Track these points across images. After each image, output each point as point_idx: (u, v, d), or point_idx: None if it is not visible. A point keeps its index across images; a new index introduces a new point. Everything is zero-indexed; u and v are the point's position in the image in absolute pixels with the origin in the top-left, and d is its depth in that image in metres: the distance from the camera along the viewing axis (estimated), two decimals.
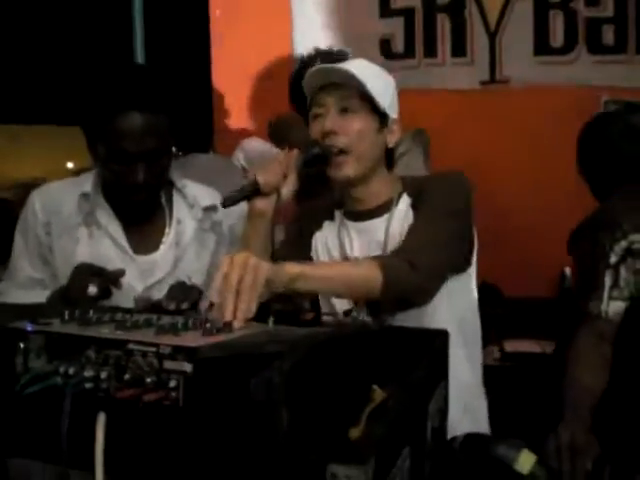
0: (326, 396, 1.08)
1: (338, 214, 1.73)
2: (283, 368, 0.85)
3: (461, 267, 1.63)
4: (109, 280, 1.60)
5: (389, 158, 1.69)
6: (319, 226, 1.77)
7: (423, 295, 1.50)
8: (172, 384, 0.91)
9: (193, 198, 1.89)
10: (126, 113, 1.64)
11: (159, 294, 1.67)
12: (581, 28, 3.01)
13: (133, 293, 1.73)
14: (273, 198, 1.58)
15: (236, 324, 1.09)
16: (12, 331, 1.02)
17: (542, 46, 3.01)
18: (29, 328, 1.01)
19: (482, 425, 1.64)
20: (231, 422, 0.84)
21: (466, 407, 1.56)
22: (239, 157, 3.03)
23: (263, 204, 1.59)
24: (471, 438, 1.15)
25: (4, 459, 0.96)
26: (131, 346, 0.94)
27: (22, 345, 1.01)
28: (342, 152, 1.58)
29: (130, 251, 1.80)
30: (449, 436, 1.27)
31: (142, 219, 1.83)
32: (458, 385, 1.53)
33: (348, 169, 1.60)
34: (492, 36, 3.05)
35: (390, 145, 1.65)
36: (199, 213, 1.89)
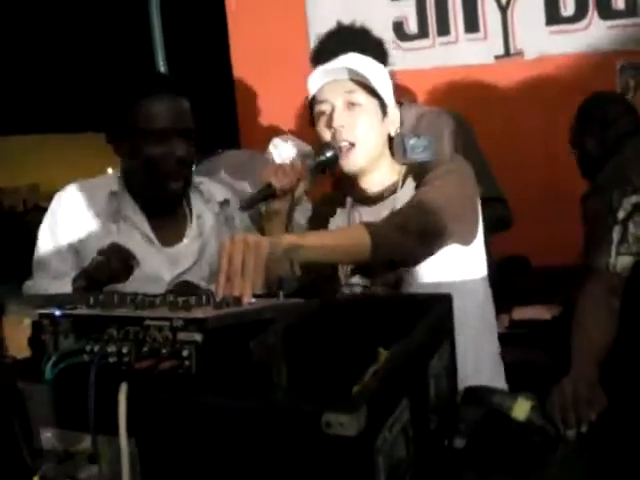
0: (333, 358, 1.17)
1: (349, 200, 1.83)
2: (277, 330, 0.93)
3: (465, 239, 1.70)
4: (129, 256, 1.70)
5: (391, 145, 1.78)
6: (333, 213, 1.87)
7: (412, 257, 1.58)
8: (185, 353, 1.00)
9: (209, 194, 2.02)
10: (155, 95, 1.80)
11: None
12: None
13: (162, 282, 1.84)
14: (288, 199, 1.70)
15: (245, 299, 1.18)
16: (42, 316, 1.13)
17: (553, 16, 3.03)
18: (57, 312, 1.12)
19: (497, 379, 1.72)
20: (236, 383, 0.94)
21: (480, 377, 1.63)
22: (272, 153, 3.12)
23: (278, 205, 1.73)
24: (471, 390, 1.22)
25: (39, 428, 1.06)
26: (148, 322, 1.04)
27: (51, 328, 1.12)
28: (352, 145, 1.67)
29: (157, 242, 1.91)
30: None
31: (169, 210, 1.94)
32: (474, 357, 1.61)
33: (358, 161, 1.71)
34: (504, 10, 3.08)
35: (392, 133, 1.74)
36: (215, 207, 2.02)
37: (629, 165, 1.67)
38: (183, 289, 1.72)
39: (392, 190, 1.74)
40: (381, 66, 1.76)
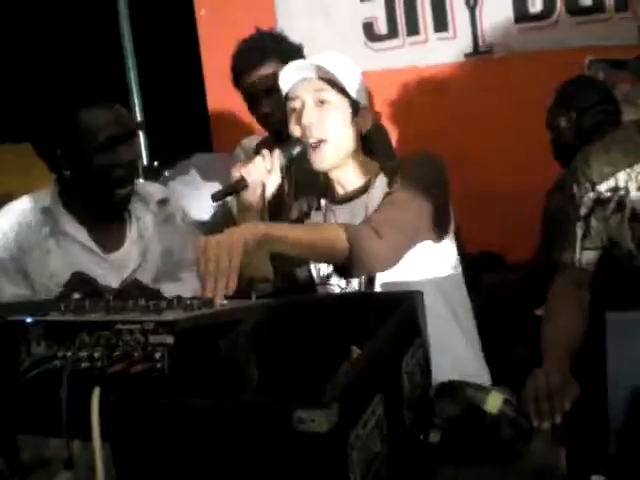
0: (305, 357, 1.18)
1: (323, 202, 1.83)
2: (246, 329, 0.94)
3: (437, 235, 1.71)
4: (96, 290, 1.71)
5: (365, 143, 1.79)
6: (308, 215, 1.88)
7: (385, 263, 1.59)
8: (157, 356, 1.01)
9: (146, 194, 2.03)
10: (91, 107, 1.82)
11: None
12: None
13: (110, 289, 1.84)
14: (259, 192, 1.71)
15: (217, 301, 1.19)
16: (14, 323, 1.13)
17: (522, 13, 3.04)
18: (29, 320, 1.12)
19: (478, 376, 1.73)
20: (209, 383, 0.94)
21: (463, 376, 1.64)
22: (240, 155, 3.14)
23: (250, 198, 1.73)
24: (445, 385, 1.23)
25: (14, 435, 1.06)
26: (119, 326, 1.04)
27: (23, 334, 1.12)
28: (321, 142, 1.69)
29: (100, 252, 1.92)
30: None
31: (116, 216, 1.95)
32: (454, 357, 1.63)
33: (328, 157, 1.71)
34: (472, 8, 3.10)
35: (363, 131, 1.75)
36: (154, 207, 2.02)
37: (592, 159, 1.68)
38: (131, 290, 1.74)
39: (365, 188, 1.75)
40: (355, 67, 1.77)
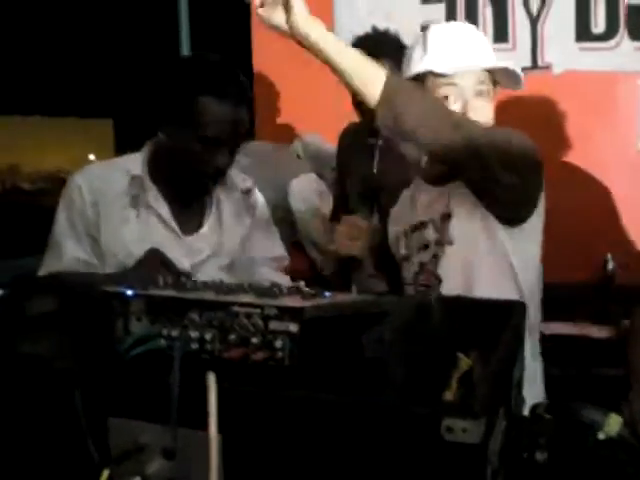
0: (415, 359, 1.10)
1: (416, 183, 1.78)
2: (394, 326, 0.87)
3: (512, 215, 1.65)
4: (177, 275, 1.63)
5: None
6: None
7: (454, 156, 1.52)
8: (278, 344, 0.93)
9: (231, 182, 1.94)
10: (222, 100, 1.72)
11: (205, 272, 1.73)
12: (622, 14, 2.99)
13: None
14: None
15: None
16: (112, 295, 1.05)
17: (584, 32, 2.99)
18: (130, 292, 1.04)
19: (539, 389, 1.66)
20: (342, 379, 0.87)
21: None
22: (298, 149, 3.09)
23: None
24: (555, 404, 1.16)
25: (106, 418, 0.98)
26: (236, 308, 0.96)
27: (123, 309, 1.04)
28: None
29: (178, 231, 1.83)
30: None
31: (195, 200, 1.87)
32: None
33: None
34: (534, 22, 3.04)
35: None
36: (237, 195, 1.94)
37: None
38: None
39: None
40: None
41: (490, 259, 1.63)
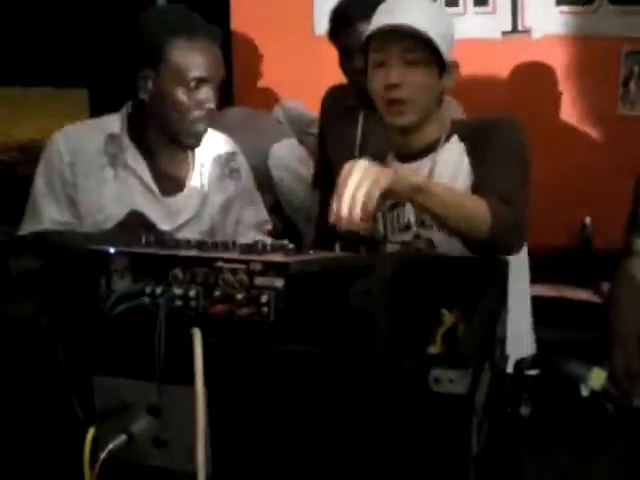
0: (398, 312, 1.10)
1: (390, 157, 1.74)
2: (380, 279, 0.86)
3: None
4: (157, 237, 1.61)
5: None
6: None
7: (519, 243, 1.50)
8: (263, 299, 0.93)
9: (215, 144, 1.91)
10: (201, 39, 1.70)
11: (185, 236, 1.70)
12: None
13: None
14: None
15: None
16: (95, 253, 1.04)
17: None
18: (112, 250, 1.03)
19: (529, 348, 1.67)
20: (327, 333, 0.87)
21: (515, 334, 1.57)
22: (279, 114, 3.06)
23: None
24: (539, 358, 1.17)
25: (90, 376, 0.98)
26: (220, 264, 0.96)
27: (105, 266, 1.03)
28: (403, 101, 1.58)
29: (157, 192, 1.80)
30: None
31: (178, 154, 1.84)
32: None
33: (407, 117, 1.60)
34: None
35: (447, 87, 1.64)
36: (221, 159, 1.92)
37: None
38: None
39: (432, 147, 1.65)
40: (449, 18, 1.66)
41: None
